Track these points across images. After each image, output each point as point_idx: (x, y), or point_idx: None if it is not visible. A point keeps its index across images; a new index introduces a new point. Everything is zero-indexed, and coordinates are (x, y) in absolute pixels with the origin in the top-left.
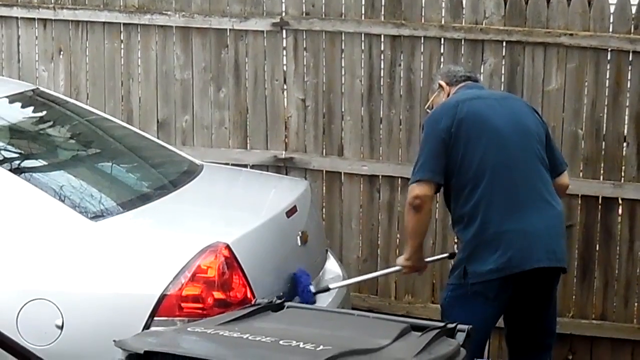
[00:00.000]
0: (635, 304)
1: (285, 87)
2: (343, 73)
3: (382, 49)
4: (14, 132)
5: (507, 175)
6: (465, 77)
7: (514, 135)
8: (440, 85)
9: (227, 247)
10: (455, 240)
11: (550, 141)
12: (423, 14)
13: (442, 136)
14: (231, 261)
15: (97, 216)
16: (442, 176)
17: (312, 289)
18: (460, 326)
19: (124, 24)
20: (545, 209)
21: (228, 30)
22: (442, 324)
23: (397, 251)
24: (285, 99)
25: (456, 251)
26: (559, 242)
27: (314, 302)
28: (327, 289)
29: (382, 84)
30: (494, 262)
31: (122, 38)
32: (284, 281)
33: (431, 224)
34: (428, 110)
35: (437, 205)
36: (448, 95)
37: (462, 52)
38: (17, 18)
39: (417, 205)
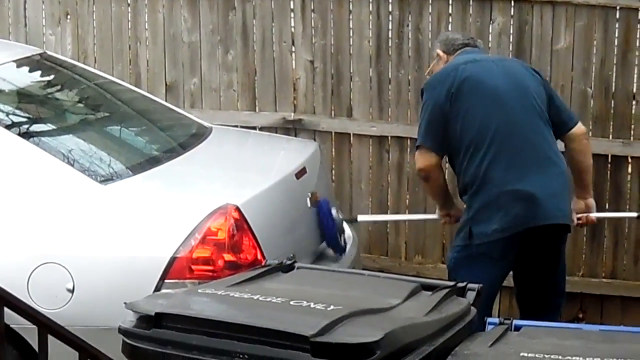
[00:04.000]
0: None
1: (293, 48)
2: (351, 34)
3: (390, 9)
4: (22, 97)
5: (509, 135)
6: (463, 44)
7: (513, 95)
8: (438, 54)
9: (237, 209)
10: None
11: (555, 99)
12: None
13: (440, 103)
14: (241, 223)
15: (106, 179)
16: (443, 143)
17: (334, 212)
18: (470, 285)
19: None
20: (548, 167)
21: None
22: (452, 283)
23: (407, 212)
24: (294, 61)
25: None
26: (563, 199)
27: (339, 228)
28: (355, 220)
29: (390, 44)
30: (498, 221)
31: (129, 1)
32: (293, 242)
33: None
34: (428, 76)
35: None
36: (444, 63)
37: (471, 11)
38: None
39: (424, 177)
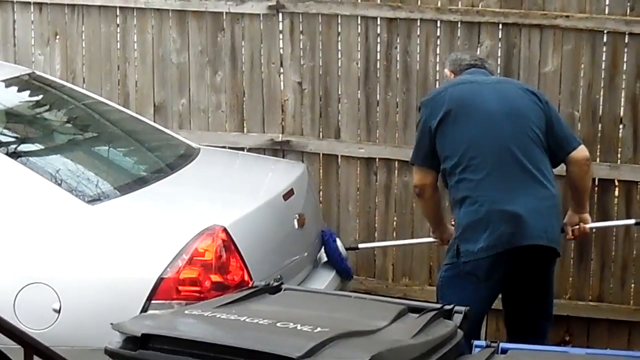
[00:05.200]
0: (632, 285)
1: (281, 70)
2: (339, 56)
3: (379, 31)
4: (11, 116)
5: (498, 157)
6: (469, 64)
7: (505, 117)
8: (446, 74)
9: (224, 230)
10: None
11: (555, 124)
12: None
13: (429, 122)
14: (228, 244)
15: (94, 200)
16: (434, 160)
17: (339, 243)
18: (457, 308)
19: (120, 7)
20: (537, 191)
21: (224, 14)
22: (439, 306)
23: (395, 234)
24: (282, 82)
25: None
26: (550, 222)
27: (344, 257)
28: (357, 248)
29: (378, 66)
30: (484, 240)
31: (118, 22)
32: (280, 263)
33: None
34: None
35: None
36: None
37: (459, 34)
38: (12, 2)
39: (418, 193)
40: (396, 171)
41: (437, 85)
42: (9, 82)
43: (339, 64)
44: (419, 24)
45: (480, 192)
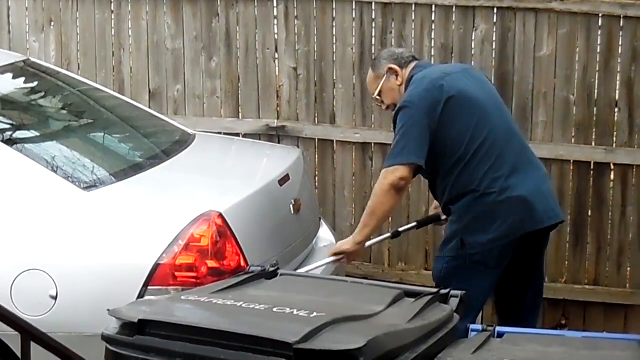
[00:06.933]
0: (628, 269)
1: (276, 55)
2: (334, 41)
3: (374, 16)
4: (5, 103)
5: (494, 144)
6: (412, 57)
7: (491, 104)
8: (391, 69)
9: (220, 215)
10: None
11: None
12: None
13: (428, 119)
14: (224, 230)
15: (89, 186)
16: (423, 156)
17: None
18: (453, 292)
19: None
20: (534, 171)
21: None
22: (435, 290)
23: (390, 218)
24: (277, 68)
25: (400, 230)
26: (553, 198)
27: None
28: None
29: (373, 51)
30: (495, 231)
31: (112, 8)
32: (276, 249)
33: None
34: (377, 97)
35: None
36: (402, 78)
37: (454, 19)
38: None
39: (401, 187)
40: None
41: None
42: (3, 69)
43: (334, 49)
44: (413, 8)
45: (484, 182)
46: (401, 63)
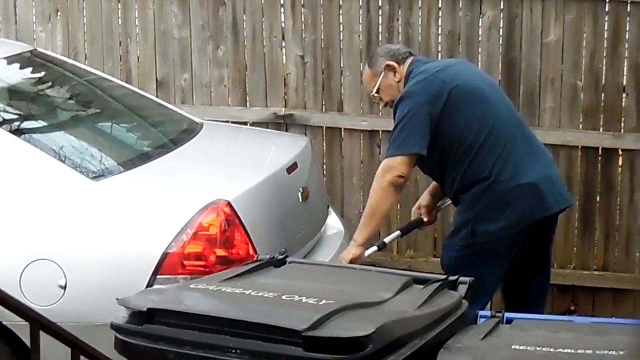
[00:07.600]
0: (637, 254)
1: (283, 44)
2: (341, 29)
3: (380, 3)
4: (13, 94)
5: (501, 132)
6: (408, 52)
7: (494, 94)
8: (388, 66)
9: (228, 204)
10: None
11: None
12: None
13: (430, 108)
14: (232, 218)
15: (98, 176)
16: (425, 148)
17: None
18: (462, 278)
19: None
20: (541, 157)
21: None
22: (444, 277)
23: (399, 205)
24: (284, 56)
25: (385, 240)
26: (562, 183)
27: None
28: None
29: (380, 39)
30: (506, 219)
31: None
32: (285, 237)
33: None
34: (375, 95)
35: None
36: (400, 74)
37: (460, 5)
38: None
39: (400, 185)
40: None
41: (439, 57)
42: (10, 60)
43: (341, 37)
44: None
45: (493, 171)
46: (398, 59)
